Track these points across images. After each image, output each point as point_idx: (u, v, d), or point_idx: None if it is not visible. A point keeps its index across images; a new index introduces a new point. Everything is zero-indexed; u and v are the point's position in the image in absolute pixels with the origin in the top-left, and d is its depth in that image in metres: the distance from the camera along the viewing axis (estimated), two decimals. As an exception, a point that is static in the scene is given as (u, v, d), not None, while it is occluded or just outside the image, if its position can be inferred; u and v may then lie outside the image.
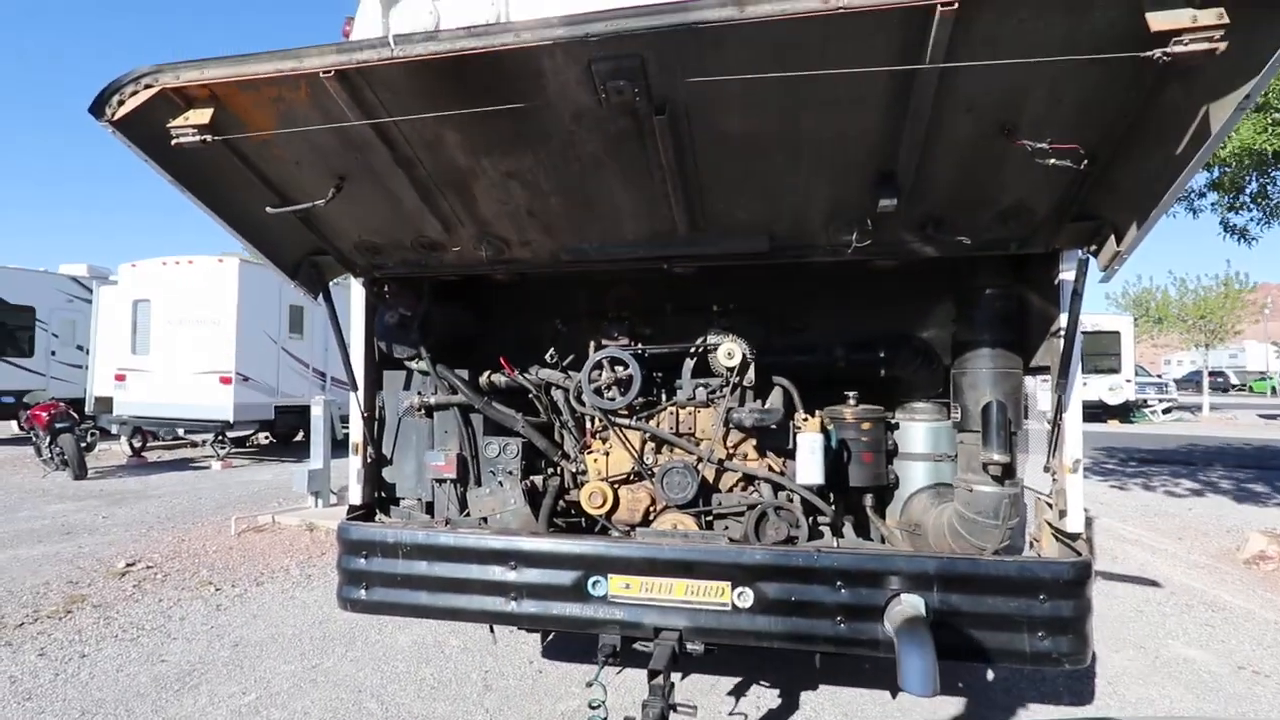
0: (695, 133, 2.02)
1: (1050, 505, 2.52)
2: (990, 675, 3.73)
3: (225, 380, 11.21)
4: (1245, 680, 3.81)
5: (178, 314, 11.46)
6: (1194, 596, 5.15)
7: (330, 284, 2.97)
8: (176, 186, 2.19)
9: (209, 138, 1.98)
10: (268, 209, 2.37)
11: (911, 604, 2.26)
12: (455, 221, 2.52)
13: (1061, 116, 1.84)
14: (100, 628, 4.33)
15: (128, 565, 5.65)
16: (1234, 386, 43.69)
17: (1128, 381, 19.53)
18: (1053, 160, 1.85)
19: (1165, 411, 22.38)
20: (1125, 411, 20.27)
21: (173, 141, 1.98)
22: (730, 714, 3.31)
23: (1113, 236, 2.16)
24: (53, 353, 15.06)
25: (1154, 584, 5.42)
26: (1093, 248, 2.27)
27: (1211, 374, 31.23)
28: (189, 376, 11.28)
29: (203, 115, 1.97)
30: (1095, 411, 19.15)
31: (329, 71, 1.81)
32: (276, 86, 1.94)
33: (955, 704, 3.47)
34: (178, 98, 1.97)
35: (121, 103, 1.95)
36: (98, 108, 1.96)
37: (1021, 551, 2.68)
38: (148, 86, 1.93)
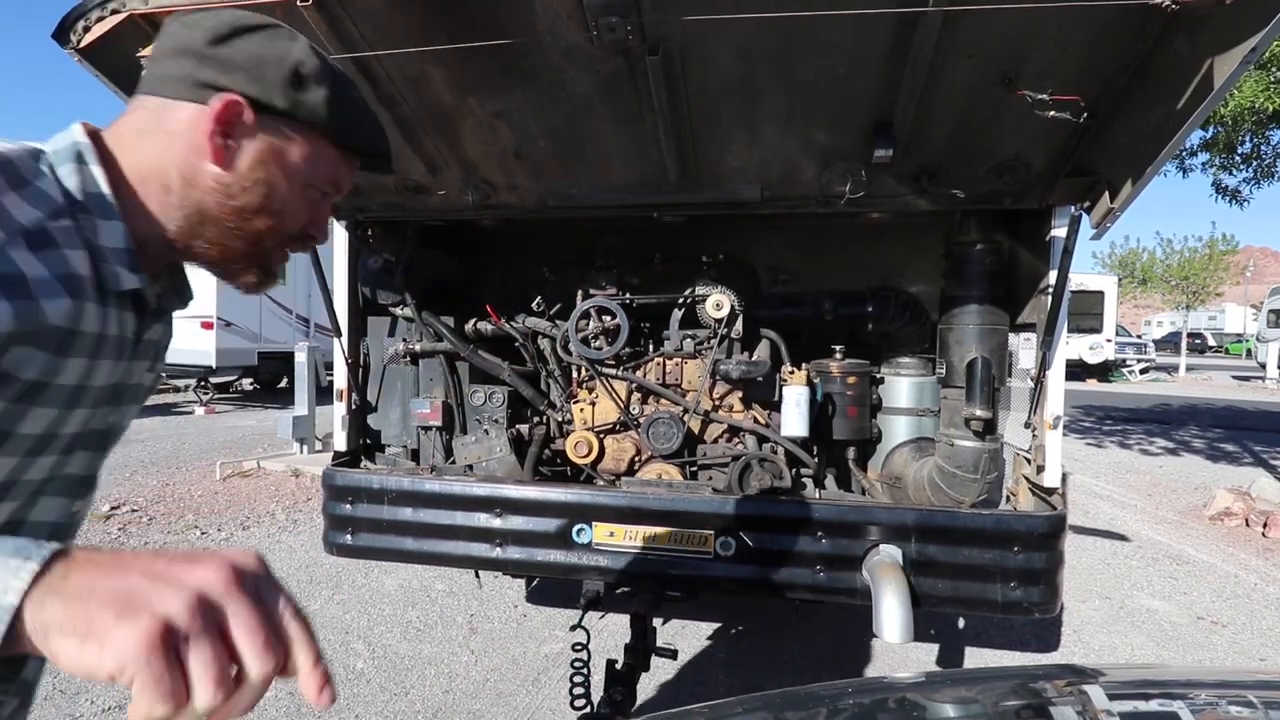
0: (689, 76, 1.96)
1: (1029, 460, 2.56)
2: (961, 623, 3.86)
3: (207, 325, 11.03)
4: (1203, 630, 3.97)
5: (157, 257, 11.23)
6: (1160, 550, 5.32)
7: (312, 227, 2.89)
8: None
9: (181, 68, 1.89)
10: (245, 146, 2.29)
11: (889, 554, 2.31)
12: (440, 163, 2.45)
13: (1065, 66, 1.79)
14: (86, 569, 4.35)
15: (112, 509, 5.65)
16: (1211, 348, 44.37)
17: (1108, 341, 19.79)
18: (1053, 112, 1.82)
19: (1143, 371, 22.74)
20: (1104, 371, 20.59)
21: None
22: (709, 656, 3.41)
23: (1107, 193, 2.14)
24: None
25: (1122, 538, 5.59)
26: (1086, 204, 2.25)
27: (1190, 335, 31.65)
28: (170, 321, 11.15)
29: (174, 44, 1.88)
30: (1075, 370, 19.42)
31: (306, 0, 1.73)
32: (251, 15, 1.85)
33: (927, 650, 3.59)
34: (147, 24, 1.87)
35: (88, 29, 1.85)
36: (62, 34, 1.85)
37: (998, 505, 2.74)
38: (115, 11, 1.83)
